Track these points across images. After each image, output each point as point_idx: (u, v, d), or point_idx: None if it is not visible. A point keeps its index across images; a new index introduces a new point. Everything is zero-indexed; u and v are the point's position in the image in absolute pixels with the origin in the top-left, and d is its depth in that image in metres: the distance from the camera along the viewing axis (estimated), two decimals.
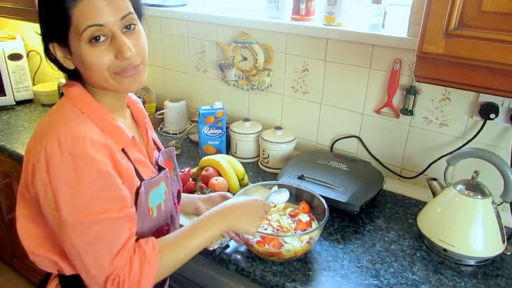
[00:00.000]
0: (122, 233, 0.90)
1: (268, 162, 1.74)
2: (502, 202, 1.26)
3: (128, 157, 0.97)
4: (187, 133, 1.97)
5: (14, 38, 2.48)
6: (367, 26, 1.56)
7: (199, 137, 1.80)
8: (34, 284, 2.50)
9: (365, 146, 1.71)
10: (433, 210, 1.31)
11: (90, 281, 0.89)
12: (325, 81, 1.72)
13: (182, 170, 1.55)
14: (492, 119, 1.38)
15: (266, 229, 1.25)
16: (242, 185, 1.58)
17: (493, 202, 1.23)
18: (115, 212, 0.89)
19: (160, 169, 1.09)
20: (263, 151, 1.75)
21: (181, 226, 1.12)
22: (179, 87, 2.22)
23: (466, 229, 1.21)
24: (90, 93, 0.96)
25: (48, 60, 0.97)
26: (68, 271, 0.98)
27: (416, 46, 1.10)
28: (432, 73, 1.10)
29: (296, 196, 1.37)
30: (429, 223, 1.29)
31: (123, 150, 0.96)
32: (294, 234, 1.23)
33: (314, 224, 1.29)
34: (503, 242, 1.23)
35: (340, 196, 1.40)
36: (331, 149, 1.80)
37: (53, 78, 2.61)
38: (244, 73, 1.91)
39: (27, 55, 2.50)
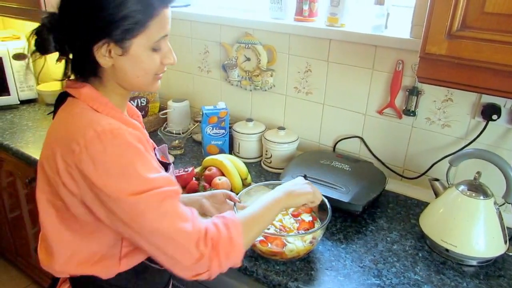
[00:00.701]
0: (181, 205, 0.93)
1: (271, 162, 1.75)
2: (504, 203, 1.26)
3: None
4: (190, 133, 1.98)
5: (18, 38, 2.49)
6: (370, 27, 1.57)
7: (202, 137, 1.81)
8: (37, 283, 2.51)
9: (367, 147, 1.71)
10: (435, 210, 1.31)
11: (182, 255, 0.88)
12: (328, 82, 1.73)
13: (186, 169, 1.56)
14: (495, 120, 1.38)
15: (268, 229, 1.26)
16: (245, 185, 1.59)
17: (495, 203, 1.23)
18: (169, 187, 0.91)
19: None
20: (266, 151, 1.75)
21: None
22: (183, 87, 2.23)
23: (468, 229, 1.22)
24: (101, 92, 0.98)
25: (62, 54, 0.96)
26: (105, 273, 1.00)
27: (418, 47, 1.10)
28: (435, 74, 1.11)
29: None
30: (431, 223, 1.30)
31: None
32: (297, 234, 1.23)
33: (317, 224, 1.30)
34: (505, 242, 1.23)
35: (342, 196, 1.41)
36: (334, 150, 1.80)
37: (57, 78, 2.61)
38: (247, 74, 1.92)
39: (31, 55, 2.50)
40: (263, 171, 1.76)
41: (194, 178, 1.57)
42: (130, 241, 0.96)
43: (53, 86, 2.47)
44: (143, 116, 1.98)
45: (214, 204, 1.29)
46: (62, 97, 0.99)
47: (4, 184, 2.26)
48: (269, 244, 1.18)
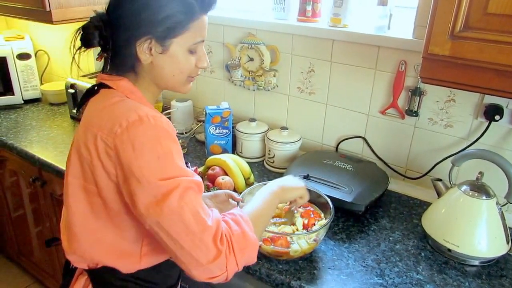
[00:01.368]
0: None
1: (273, 162, 1.75)
2: (507, 203, 1.27)
3: None
4: (194, 133, 1.98)
5: (22, 38, 2.50)
6: (373, 27, 1.57)
7: (206, 136, 1.81)
8: (39, 282, 2.52)
9: (370, 147, 1.72)
10: (437, 210, 1.31)
11: (200, 251, 0.88)
12: (330, 82, 1.73)
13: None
14: (497, 120, 1.39)
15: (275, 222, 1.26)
16: (248, 184, 1.59)
17: (497, 203, 1.23)
18: (197, 178, 0.95)
19: None
20: (269, 151, 1.76)
21: None
22: None
23: (471, 229, 1.22)
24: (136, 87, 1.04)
25: (105, 46, 1.00)
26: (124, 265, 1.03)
27: (421, 48, 1.11)
28: (438, 75, 1.11)
29: None
30: (433, 223, 1.30)
31: None
32: (301, 233, 1.24)
33: (318, 219, 1.30)
34: (507, 242, 1.23)
35: (345, 196, 1.41)
36: (336, 150, 1.81)
37: (60, 78, 2.63)
38: (250, 74, 1.93)
39: (35, 55, 2.52)
40: (266, 171, 1.77)
41: None
42: (149, 236, 0.99)
43: (56, 86, 2.48)
44: None
45: (217, 204, 1.30)
46: (91, 90, 1.05)
47: (7, 184, 2.27)
48: (272, 245, 1.19)
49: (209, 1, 1.01)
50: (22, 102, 2.46)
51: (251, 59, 1.90)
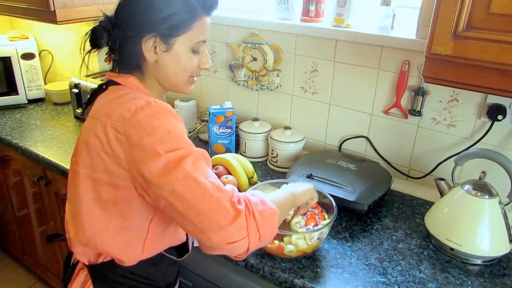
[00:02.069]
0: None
1: (277, 161, 1.76)
2: (509, 202, 1.27)
3: None
4: (197, 132, 1.99)
5: (27, 38, 2.51)
6: (376, 27, 1.58)
7: (209, 136, 1.82)
8: (43, 281, 2.53)
9: (373, 146, 1.72)
10: (440, 209, 1.32)
11: (218, 211, 0.87)
12: (334, 82, 1.74)
13: None
14: (500, 120, 1.39)
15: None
16: (251, 183, 1.60)
17: (500, 202, 1.24)
18: (204, 151, 0.97)
19: None
20: (272, 150, 1.77)
21: None
22: None
23: (473, 228, 1.22)
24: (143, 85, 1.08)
25: (110, 43, 1.04)
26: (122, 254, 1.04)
27: (424, 48, 1.11)
28: (441, 74, 1.12)
29: None
30: (436, 222, 1.30)
31: None
32: (305, 231, 1.24)
33: (322, 218, 1.31)
34: (510, 242, 1.24)
35: (348, 195, 1.42)
36: (340, 149, 1.81)
37: (64, 78, 2.65)
38: (253, 74, 1.93)
39: (39, 55, 2.53)
40: (269, 170, 1.77)
41: None
42: (155, 224, 1.02)
43: (60, 86, 2.49)
44: None
45: None
46: (100, 88, 1.08)
47: (12, 183, 2.28)
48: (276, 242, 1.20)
49: (210, 2, 1.05)
50: (26, 102, 2.48)
51: (255, 59, 1.91)
